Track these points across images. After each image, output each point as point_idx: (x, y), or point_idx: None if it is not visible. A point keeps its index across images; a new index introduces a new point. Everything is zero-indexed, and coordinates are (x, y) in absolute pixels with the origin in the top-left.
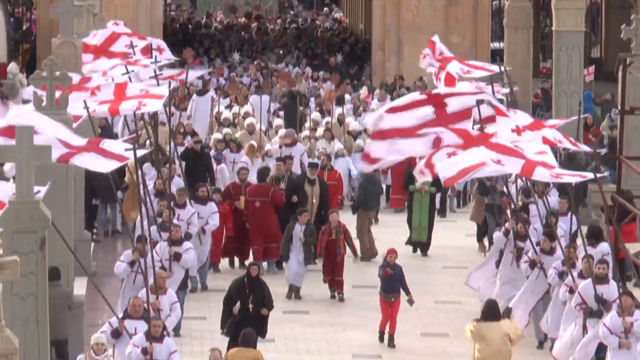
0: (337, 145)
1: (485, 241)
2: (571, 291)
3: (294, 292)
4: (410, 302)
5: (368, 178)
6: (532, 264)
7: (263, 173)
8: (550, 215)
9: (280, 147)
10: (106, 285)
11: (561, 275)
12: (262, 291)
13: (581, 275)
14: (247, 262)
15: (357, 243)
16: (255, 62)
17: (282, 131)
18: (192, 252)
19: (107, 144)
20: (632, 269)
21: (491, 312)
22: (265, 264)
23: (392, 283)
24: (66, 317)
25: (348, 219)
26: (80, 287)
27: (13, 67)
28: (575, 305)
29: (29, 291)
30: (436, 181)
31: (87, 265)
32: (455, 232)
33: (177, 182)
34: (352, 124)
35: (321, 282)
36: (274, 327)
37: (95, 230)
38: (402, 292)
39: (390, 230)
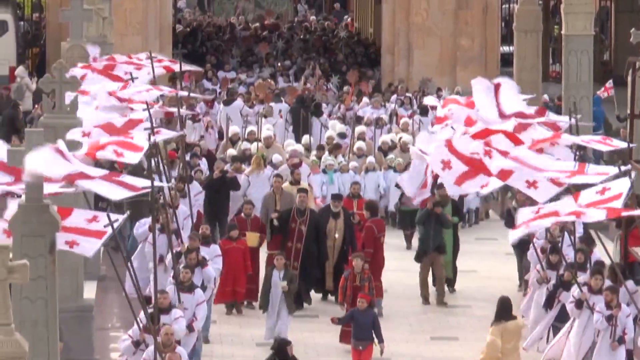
0: (369, 159)
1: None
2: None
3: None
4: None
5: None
6: (579, 304)
7: (374, 206)
8: (578, 251)
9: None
10: (114, 289)
11: (609, 319)
12: None
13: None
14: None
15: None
16: (260, 81)
17: (289, 147)
18: (182, 322)
19: (126, 178)
20: None
21: (508, 310)
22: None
23: (362, 329)
24: None
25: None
26: (89, 290)
27: (21, 70)
28: None
29: (38, 295)
30: (457, 211)
31: (96, 269)
32: (464, 237)
33: (183, 211)
34: (338, 126)
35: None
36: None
37: None
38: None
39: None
